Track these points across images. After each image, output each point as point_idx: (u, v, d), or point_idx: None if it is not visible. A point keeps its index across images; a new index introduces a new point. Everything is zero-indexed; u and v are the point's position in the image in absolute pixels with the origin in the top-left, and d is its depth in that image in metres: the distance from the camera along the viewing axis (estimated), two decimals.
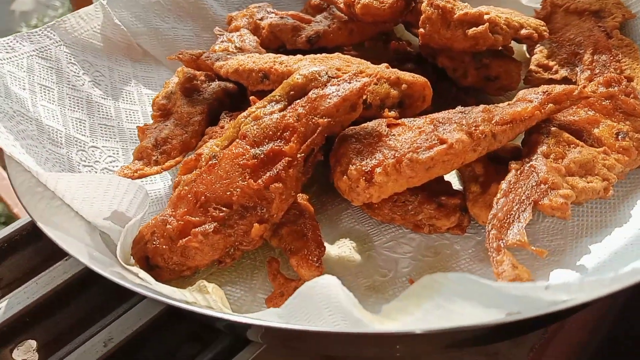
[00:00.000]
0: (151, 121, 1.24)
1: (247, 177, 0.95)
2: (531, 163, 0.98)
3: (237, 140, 0.99)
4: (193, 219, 0.96)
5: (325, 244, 1.06)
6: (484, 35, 1.17)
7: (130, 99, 1.39)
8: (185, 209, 0.97)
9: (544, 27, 1.28)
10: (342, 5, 1.36)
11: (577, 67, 1.33)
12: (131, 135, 1.31)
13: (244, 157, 0.96)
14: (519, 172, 0.97)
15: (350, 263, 1.02)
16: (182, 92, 1.24)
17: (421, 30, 1.24)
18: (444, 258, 1.01)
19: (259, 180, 0.93)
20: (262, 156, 0.95)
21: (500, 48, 1.27)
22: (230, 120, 1.19)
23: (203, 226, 0.94)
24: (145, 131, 1.18)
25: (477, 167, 1.03)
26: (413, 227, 1.04)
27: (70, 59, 1.32)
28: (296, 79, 1.01)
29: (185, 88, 1.25)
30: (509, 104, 1.05)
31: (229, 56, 1.23)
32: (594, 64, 1.29)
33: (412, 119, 1.03)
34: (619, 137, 1.06)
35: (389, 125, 1.02)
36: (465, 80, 1.29)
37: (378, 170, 0.94)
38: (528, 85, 1.38)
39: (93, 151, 1.22)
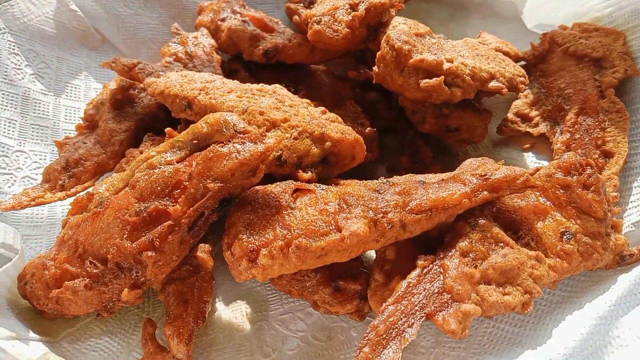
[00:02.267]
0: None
1: (126, 235, 0.88)
2: (443, 262, 0.86)
3: (127, 189, 0.91)
4: (70, 268, 0.90)
5: (220, 304, 0.99)
6: (438, 89, 1.02)
7: (74, 94, 1.32)
8: (65, 256, 0.92)
9: (521, 78, 1.11)
10: (300, 21, 1.22)
11: (559, 125, 1.16)
12: None
13: (127, 211, 0.89)
14: (424, 271, 0.86)
15: (237, 333, 0.96)
16: (112, 104, 1.15)
17: (375, 69, 1.10)
18: (336, 345, 0.93)
19: (134, 243, 0.86)
20: (144, 214, 0.88)
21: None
22: (151, 145, 1.11)
23: (76, 281, 0.89)
24: (63, 146, 1.11)
25: (388, 250, 0.92)
26: (312, 304, 0.95)
27: (13, 49, 1.25)
28: (201, 127, 0.91)
29: (117, 100, 1.16)
30: (438, 183, 0.92)
31: (162, 72, 1.13)
32: (576, 126, 1.13)
33: (323, 187, 0.92)
34: (564, 237, 0.92)
35: (295, 192, 0.91)
36: (424, 127, 1.15)
37: (264, 251, 0.85)
38: (500, 136, 1.23)
39: (17, 156, 1.17)
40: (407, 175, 0.98)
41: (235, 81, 1.11)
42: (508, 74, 1.10)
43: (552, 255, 0.91)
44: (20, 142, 1.19)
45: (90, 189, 0.98)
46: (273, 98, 1.04)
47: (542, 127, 1.19)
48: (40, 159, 1.19)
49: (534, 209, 0.95)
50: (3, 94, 1.20)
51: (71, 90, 1.32)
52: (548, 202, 0.96)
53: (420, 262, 0.87)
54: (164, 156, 0.92)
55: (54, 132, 1.24)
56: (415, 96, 1.07)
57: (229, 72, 1.31)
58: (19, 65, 1.25)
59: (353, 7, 1.13)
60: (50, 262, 0.92)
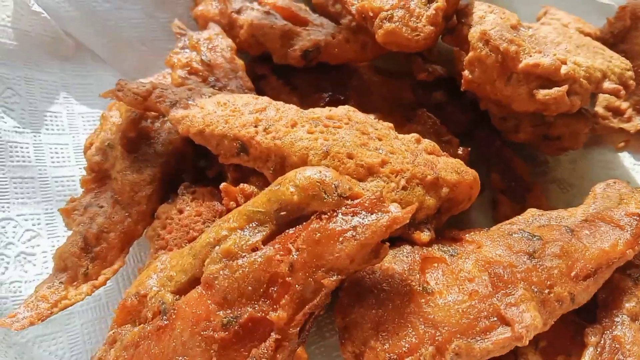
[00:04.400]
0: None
1: (215, 358, 0.64)
2: (614, 333, 0.69)
3: (200, 288, 0.67)
4: None
5: None
6: (560, 100, 0.82)
7: (56, 125, 1.02)
8: None
9: (630, 73, 0.92)
10: (353, 11, 0.97)
11: None
12: (59, 189, 0.96)
13: (209, 323, 0.65)
14: (598, 348, 0.69)
15: None
16: (125, 147, 0.87)
17: (466, 73, 0.88)
18: None
19: None
20: (236, 327, 0.64)
21: None
22: (192, 200, 0.85)
23: None
24: (72, 214, 0.83)
25: None
26: None
27: None
28: (289, 194, 0.67)
29: (130, 140, 0.88)
30: (588, 229, 0.73)
31: (189, 99, 0.85)
32: None
33: (452, 251, 0.72)
34: None
35: (422, 266, 0.70)
36: (517, 136, 0.95)
37: None
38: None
39: (3, 227, 0.87)
40: (536, 214, 0.79)
41: (292, 106, 0.85)
42: (617, 69, 0.91)
43: None
44: (2, 207, 0.89)
45: (137, 290, 0.72)
46: (353, 129, 0.80)
47: (638, 121, 1.02)
48: (34, 225, 0.91)
49: None
50: None
51: (51, 120, 1.01)
52: None
53: (591, 339, 0.70)
54: (242, 237, 0.67)
55: (42, 184, 0.95)
56: (527, 108, 0.86)
57: (253, 78, 1.04)
58: None
59: None
60: None
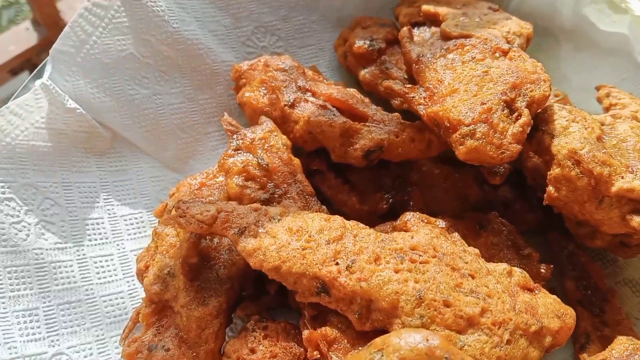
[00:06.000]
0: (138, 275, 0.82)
1: None
2: None
3: None
4: None
5: None
6: None
7: (99, 233, 0.94)
8: None
9: None
10: (421, 112, 0.90)
11: None
12: (108, 310, 0.89)
13: None
14: None
15: None
16: (187, 275, 0.81)
17: (551, 190, 0.83)
18: None
19: None
20: None
21: None
22: (264, 337, 0.79)
23: None
24: (135, 358, 0.76)
25: None
26: None
27: (2, 192, 0.85)
28: None
29: (191, 267, 0.81)
30: None
31: (260, 228, 0.79)
32: None
33: None
34: None
35: None
36: (593, 242, 0.91)
37: None
38: None
39: None
40: (630, 347, 0.75)
41: (368, 231, 0.79)
42: None
43: None
44: (52, 341, 0.82)
45: None
46: (442, 264, 0.75)
47: None
48: (86, 357, 0.84)
49: None
50: (9, 272, 0.81)
51: (93, 229, 0.94)
52: None
53: None
54: None
55: (90, 307, 0.88)
56: (617, 231, 0.81)
57: (308, 174, 0.98)
58: (17, 215, 0.85)
59: (509, 104, 0.83)
60: None
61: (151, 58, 1.02)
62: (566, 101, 1.06)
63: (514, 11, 1.23)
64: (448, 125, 0.84)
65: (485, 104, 0.82)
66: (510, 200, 0.98)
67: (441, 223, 0.90)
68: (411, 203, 0.97)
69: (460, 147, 0.81)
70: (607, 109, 1.05)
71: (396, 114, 1.03)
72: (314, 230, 0.79)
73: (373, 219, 0.97)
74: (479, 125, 0.81)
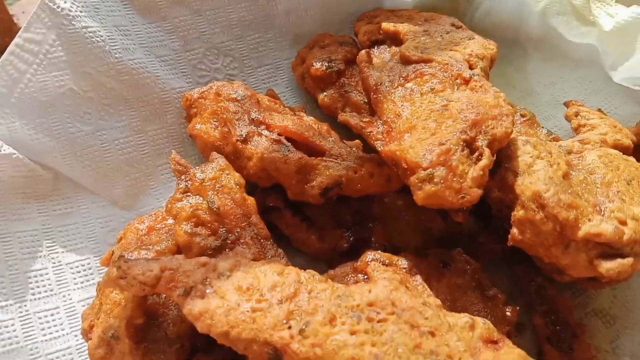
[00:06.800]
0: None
1: None
2: None
3: None
4: None
5: None
6: (624, 272, 0.74)
7: (43, 285, 0.89)
8: None
9: None
10: (378, 147, 0.86)
11: None
12: None
13: None
14: None
15: None
16: (132, 337, 0.76)
17: (515, 232, 0.79)
18: None
19: None
20: None
21: None
22: None
23: None
24: None
25: None
26: None
27: None
28: None
29: (137, 328, 0.77)
30: None
31: (208, 289, 0.74)
32: None
33: None
34: None
35: None
36: (561, 277, 0.87)
37: None
38: None
39: None
40: None
41: (325, 286, 0.75)
42: None
43: None
44: None
45: None
46: (401, 321, 0.71)
47: None
48: None
49: None
50: None
51: (36, 281, 0.88)
52: None
53: None
54: None
55: None
56: (585, 275, 0.78)
57: (263, 210, 0.93)
58: None
59: (469, 143, 0.78)
60: None
61: (93, 92, 0.96)
62: (533, 122, 1.02)
63: (480, 22, 1.18)
64: (405, 167, 0.79)
65: (444, 144, 0.78)
66: (475, 232, 0.94)
67: (403, 263, 0.86)
68: (373, 239, 0.92)
69: (419, 192, 0.77)
70: (576, 129, 1.01)
71: (357, 141, 0.98)
72: (265, 288, 0.74)
73: (334, 257, 0.93)
74: (437, 168, 0.76)
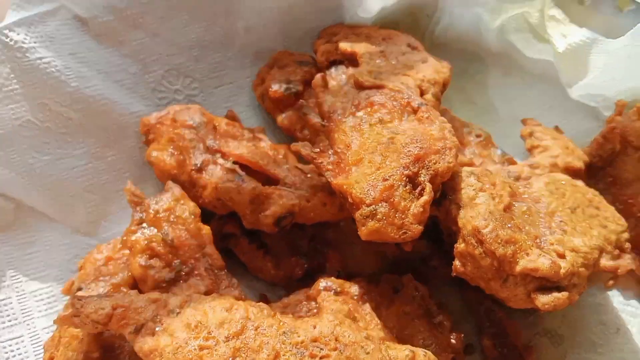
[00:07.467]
0: None
1: None
2: None
3: None
4: None
5: None
6: (561, 304, 0.77)
7: (7, 315, 0.92)
8: None
9: (625, 235, 0.88)
10: (328, 178, 0.87)
11: None
12: None
13: None
14: None
15: None
16: None
17: (457, 264, 0.82)
18: None
19: None
20: None
21: None
22: None
23: None
24: None
25: None
26: None
27: None
28: None
29: None
30: None
31: (158, 326, 0.76)
32: None
33: None
34: None
35: None
36: (508, 302, 0.90)
37: None
38: None
39: None
40: None
41: (271, 322, 0.77)
42: (613, 236, 0.86)
43: None
44: None
45: None
46: (343, 357, 0.74)
47: (627, 261, 0.97)
48: None
49: None
50: None
51: (1, 311, 0.91)
52: None
53: None
54: None
55: None
56: (524, 307, 0.80)
57: (220, 237, 0.96)
58: None
59: (412, 179, 0.80)
60: None
61: (50, 122, 0.97)
62: (488, 142, 1.04)
63: (440, 36, 1.19)
64: (351, 201, 0.81)
65: (387, 180, 0.79)
66: (427, 256, 0.97)
67: (355, 290, 0.89)
68: (327, 265, 0.95)
69: (362, 227, 0.79)
70: (529, 150, 1.03)
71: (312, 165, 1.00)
72: (213, 325, 0.76)
73: (290, 283, 0.96)
74: (380, 205, 0.78)
